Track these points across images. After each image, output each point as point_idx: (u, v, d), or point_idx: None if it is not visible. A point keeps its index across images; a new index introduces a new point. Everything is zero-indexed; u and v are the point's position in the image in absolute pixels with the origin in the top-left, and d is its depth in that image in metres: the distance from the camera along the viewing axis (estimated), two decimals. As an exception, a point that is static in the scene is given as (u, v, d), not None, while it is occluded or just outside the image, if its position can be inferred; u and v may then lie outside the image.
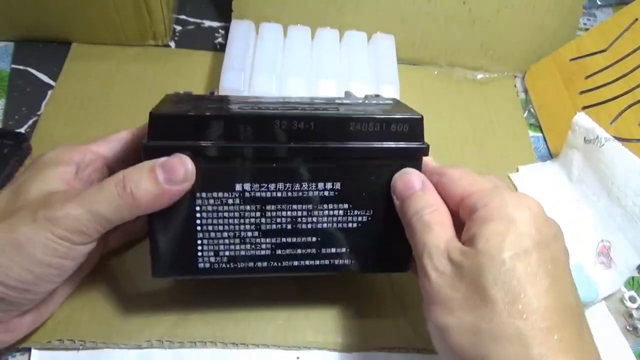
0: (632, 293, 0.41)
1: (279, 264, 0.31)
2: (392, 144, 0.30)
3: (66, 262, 0.27)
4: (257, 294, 0.37)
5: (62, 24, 0.48)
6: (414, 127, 0.30)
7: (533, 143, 0.50)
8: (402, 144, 0.30)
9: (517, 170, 0.47)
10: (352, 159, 0.30)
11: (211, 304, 0.36)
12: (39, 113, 0.45)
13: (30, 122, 0.44)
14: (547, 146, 0.50)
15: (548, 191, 0.45)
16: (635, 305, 0.40)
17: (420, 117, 0.30)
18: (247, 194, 0.29)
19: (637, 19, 0.47)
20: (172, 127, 0.28)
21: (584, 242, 0.42)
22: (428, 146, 0.30)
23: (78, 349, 0.33)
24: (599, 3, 0.63)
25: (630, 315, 0.40)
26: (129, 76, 0.48)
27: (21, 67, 0.48)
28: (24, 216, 0.25)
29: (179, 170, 0.27)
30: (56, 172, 0.28)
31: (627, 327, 0.39)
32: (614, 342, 0.39)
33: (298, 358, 0.35)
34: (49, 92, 0.46)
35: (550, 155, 0.49)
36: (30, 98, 0.46)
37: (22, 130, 0.44)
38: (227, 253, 0.30)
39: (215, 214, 0.29)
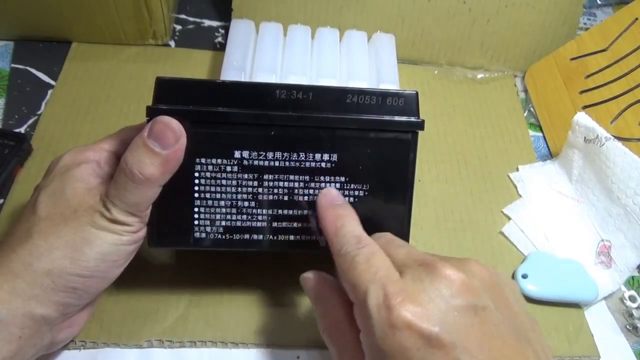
0: (632, 292, 0.41)
1: (275, 238, 0.31)
2: (387, 117, 0.30)
3: (130, 247, 0.29)
4: (258, 294, 0.37)
5: (62, 24, 0.48)
6: (409, 102, 0.31)
7: (533, 142, 0.50)
8: (397, 118, 0.30)
9: (517, 170, 0.47)
10: (348, 130, 0.30)
11: (211, 304, 0.36)
12: (38, 113, 0.45)
13: (30, 121, 0.44)
14: (547, 146, 0.50)
15: (548, 191, 0.45)
16: (635, 305, 0.40)
17: (415, 92, 0.31)
18: (245, 162, 0.30)
19: (637, 19, 0.47)
20: (175, 91, 0.29)
21: (584, 241, 0.42)
22: (423, 121, 0.31)
23: (79, 349, 0.33)
24: (599, 2, 0.63)
25: (631, 315, 0.40)
26: (129, 76, 0.48)
27: (21, 67, 0.48)
28: (85, 217, 0.28)
29: (168, 134, 0.28)
30: (81, 171, 0.29)
31: (627, 327, 0.39)
32: (614, 341, 0.39)
33: (298, 358, 0.35)
34: (49, 92, 0.46)
35: (551, 155, 0.49)
36: (30, 97, 0.46)
37: (22, 129, 0.44)
38: (223, 223, 0.31)
39: (212, 181, 0.30)
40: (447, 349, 0.22)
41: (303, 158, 0.30)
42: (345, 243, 0.27)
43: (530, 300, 0.39)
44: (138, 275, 0.35)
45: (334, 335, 0.27)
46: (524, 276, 0.39)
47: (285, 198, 0.31)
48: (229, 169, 0.30)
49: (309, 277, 0.30)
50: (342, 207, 0.29)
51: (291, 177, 0.31)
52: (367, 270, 0.25)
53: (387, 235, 0.29)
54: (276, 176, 0.30)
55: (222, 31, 0.54)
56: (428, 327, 0.22)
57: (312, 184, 0.31)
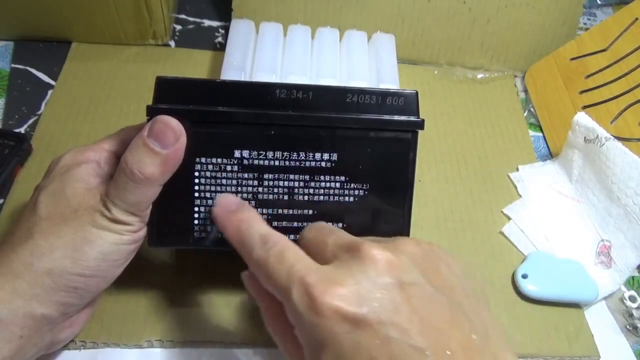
0: (632, 292, 0.41)
1: None
2: (387, 117, 0.30)
3: (130, 247, 0.29)
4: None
5: (62, 24, 0.48)
6: (409, 102, 0.31)
7: (533, 142, 0.50)
8: (397, 117, 0.30)
9: (517, 170, 0.47)
10: (348, 130, 0.30)
11: (211, 304, 0.36)
12: (38, 113, 0.45)
13: (30, 121, 0.44)
14: (547, 146, 0.50)
15: (548, 191, 0.45)
16: (635, 305, 0.40)
17: (415, 92, 0.31)
18: (245, 161, 0.30)
19: (637, 19, 0.47)
20: (175, 90, 0.29)
21: (584, 241, 0.42)
22: (423, 120, 0.31)
23: (79, 349, 0.33)
24: (599, 2, 0.63)
25: (630, 315, 0.40)
26: (129, 76, 0.48)
27: (21, 67, 0.48)
28: (85, 217, 0.28)
29: (168, 133, 0.28)
30: (81, 171, 0.29)
31: (627, 327, 0.39)
32: (614, 341, 0.39)
33: (298, 358, 0.35)
34: (49, 92, 0.46)
35: (551, 155, 0.49)
36: (30, 98, 0.46)
37: (22, 129, 0.44)
38: None
39: (213, 181, 0.30)
40: (374, 327, 0.22)
41: (303, 157, 0.30)
42: (254, 247, 0.26)
43: (530, 300, 0.39)
44: (138, 275, 0.35)
45: (276, 328, 0.27)
46: (524, 276, 0.39)
47: (285, 197, 0.31)
48: (229, 168, 0.30)
49: (247, 274, 0.29)
50: (241, 210, 0.28)
51: (291, 176, 0.31)
52: (282, 269, 0.24)
53: (317, 224, 0.29)
54: (276, 175, 0.31)
55: (222, 31, 0.54)
56: (354, 309, 0.22)
57: (312, 184, 0.31)
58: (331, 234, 0.27)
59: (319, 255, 0.26)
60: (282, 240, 0.26)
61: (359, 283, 0.23)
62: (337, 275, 0.23)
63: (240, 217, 0.28)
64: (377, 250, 0.24)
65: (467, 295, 0.25)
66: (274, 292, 0.25)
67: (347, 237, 0.27)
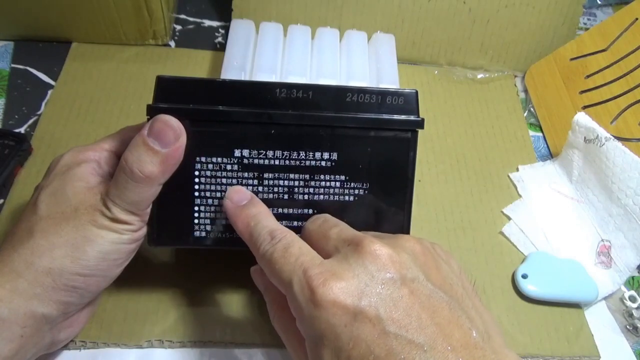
0: (632, 292, 0.41)
1: None
2: (387, 116, 0.30)
3: (131, 246, 0.29)
4: (258, 293, 0.37)
5: (62, 24, 0.48)
6: (409, 101, 0.31)
7: (533, 143, 0.50)
8: (397, 116, 0.30)
9: (517, 170, 0.47)
10: (348, 129, 0.30)
11: (212, 304, 0.36)
12: (38, 113, 0.45)
13: (30, 121, 0.44)
14: (547, 146, 0.50)
15: (548, 191, 0.45)
16: (635, 305, 0.40)
17: (414, 91, 0.31)
18: (245, 160, 0.30)
19: (637, 19, 0.47)
20: (176, 90, 0.29)
21: (584, 241, 0.42)
22: (423, 119, 0.31)
23: (79, 349, 0.33)
24: (599, 2, 0.63)
25: (631, 315, 0.40)
26: (129, 76, 0.48)
27: (21, 67, 0.48)
28: (86, 216, 0.28)
29: (168, 132, 0.28)
30: (82, 170, 0.29)
31: (627, 327, 0.39)
32: (614, 341, 0.39)
33: (298, 358, 0.35)
34: (49, 92, 0.46)
35: (551, 155, 0.49)
36: (30, 98, 0.46)
37: (22, 129, 0.44)
38: (223, 222, 0.31)
39: (213, 180, 0.30)
40: (372, 321, 0.22)
41: (303, 157, 0.30)
42: (262, 242, 0.27)
43: (530, 300, 0.39)
44: (138, 275, 0.35)
45: (282, 322, 0.28)
46: (524, 276, 0.39)
47: (286, 197, 0.31)
48: (229, 167, 0.30)
49: (257, 269, 0.30)
50: (250, 205, 0.29)
51: (291, 175, 0.31)
52: (286, 263, 0.25)
53: (321, 216, 0.29)
54: (276, 175, 0.31)
55: (222, 31, 0.54)
56: (352, 302, 0.22)
57: (312, 183, 0.31)
58: (334, 226, 0.28)
59: (320, 247, 0.27)
60: (289, 235, 0.26)
61: (358, 277, 0.23)
62: (337, 269, 0.24)
63: (249, 212, 0.28)
64: (378, 246, 0.24)
65: (467, 294, 0.26)
66: (278, 285, 0.26)
67: (350, 230, 0.27)
